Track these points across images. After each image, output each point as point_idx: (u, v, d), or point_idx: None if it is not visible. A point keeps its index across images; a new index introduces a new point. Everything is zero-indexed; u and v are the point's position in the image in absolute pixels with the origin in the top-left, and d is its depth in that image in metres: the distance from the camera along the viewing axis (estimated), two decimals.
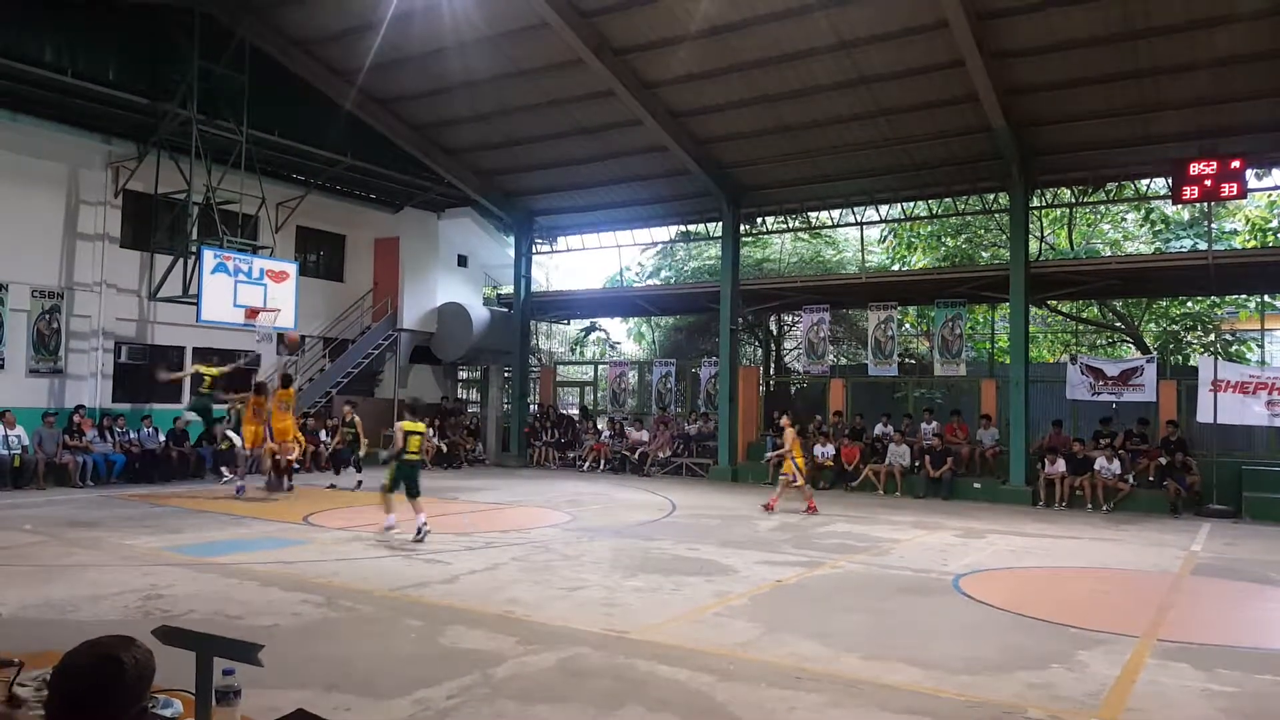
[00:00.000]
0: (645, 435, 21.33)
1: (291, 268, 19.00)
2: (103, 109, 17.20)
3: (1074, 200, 19.67)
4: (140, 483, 16.10)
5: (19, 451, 15.10)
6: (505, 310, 24.97)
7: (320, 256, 23.18)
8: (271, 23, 17.97)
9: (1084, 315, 25.17)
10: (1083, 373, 17.34)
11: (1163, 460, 15.53)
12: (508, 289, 26.31)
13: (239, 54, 17.76)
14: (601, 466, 21.17)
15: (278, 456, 14.94)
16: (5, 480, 14.78)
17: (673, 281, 28.99)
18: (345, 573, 8.66)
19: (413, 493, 10.70)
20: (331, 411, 20.61)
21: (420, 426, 11.41)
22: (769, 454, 14.57)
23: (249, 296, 17.64)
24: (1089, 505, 15.47)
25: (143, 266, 18.63)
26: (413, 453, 10.91)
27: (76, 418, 16.22)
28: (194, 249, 17.35)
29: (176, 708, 2.72)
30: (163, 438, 17.32)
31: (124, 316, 18.34)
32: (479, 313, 24.19)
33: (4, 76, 15.55)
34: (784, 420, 15.11)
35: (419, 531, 10.30)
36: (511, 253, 24.40)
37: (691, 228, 23.20)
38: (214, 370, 16.10)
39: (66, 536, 10.39)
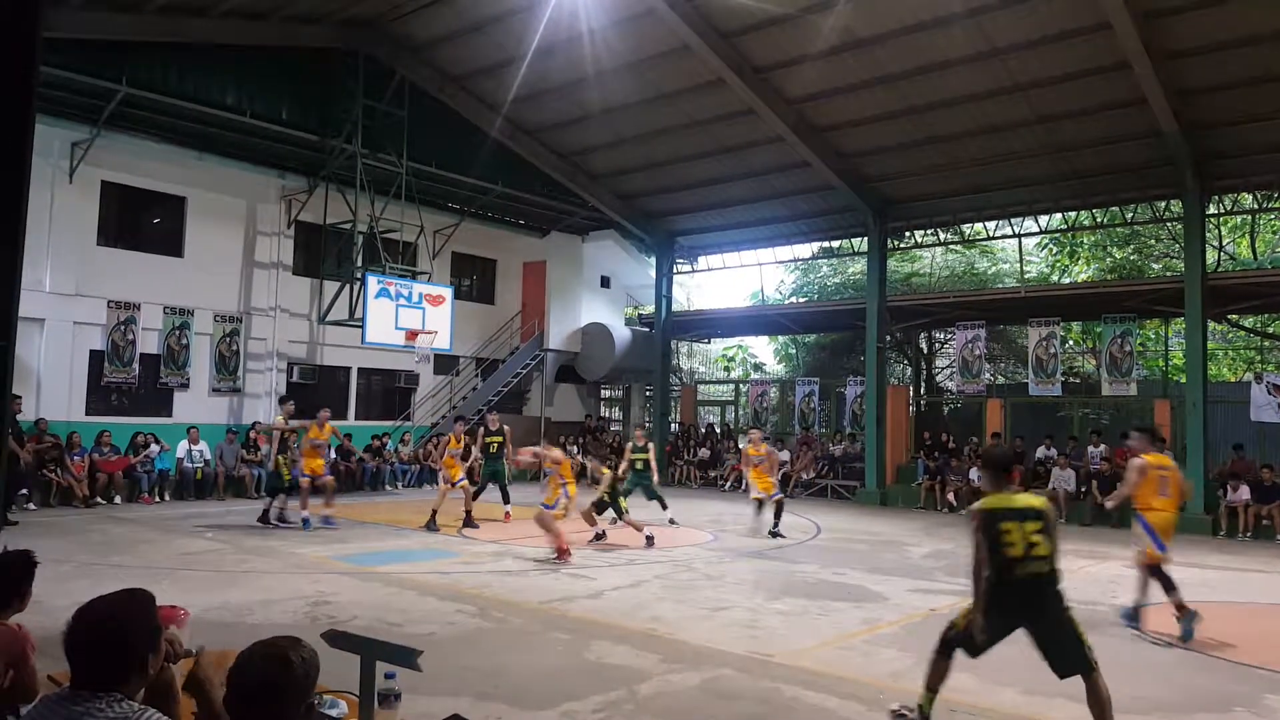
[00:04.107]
0: (787, 455, 21.00)
1: (447, 292, 19.90)
2: (277, 146, 18.57)
3: (1257, 206, 18.16)
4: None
5: (202, 465, 16.37)
6: (647, 330, 25.24)
7: (473, 280, 24.13)
8: (428, 61, 18.95)
9: (1270, 330, 23.16)
10: (1269, 392, 15.95)
11: None
12: (649, 309, 26.59)
13: (399, 92, 18.88)
14: (743, 486, 20.94)
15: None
16: (190, 491, 16.06)
17: (816, 298, 28.57)
18: (496, 585, 8.92)
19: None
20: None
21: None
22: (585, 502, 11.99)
23: (409, 319, 18.58)
24: (1278, 536, 14.16)
25: (313, 292, 19.92)
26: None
27: (253, 433, 17.45)
28: (359, 275, 18.48)
29: (342, 708, 2.86)
30: (333, 453, 18.31)
31: (296, 339, 19.64)
32: (621, 333, 24.54)
33: (192, 119, 17.06)
34: (544, 446, 12.03)
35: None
36: (653, 273, 24.69)
37: (835, 243, 22.80)
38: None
39: (243, 544, 11.16)
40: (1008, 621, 4.80)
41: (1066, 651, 4.69)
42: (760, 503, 13.59)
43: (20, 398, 13.66)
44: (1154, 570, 7.59)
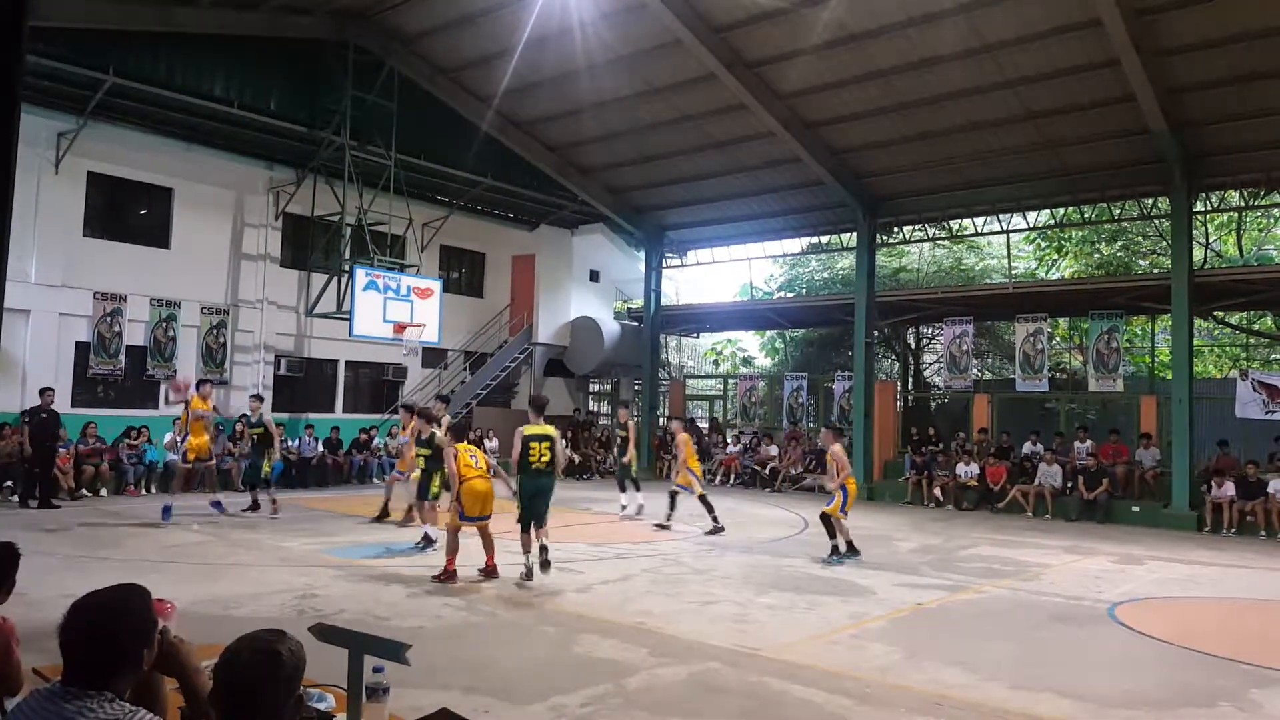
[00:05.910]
0: (775, 450, 21.08)
1: (436, 285, 19.83)
2: (265, 138, 18.46)
3: (1244, 204, 18.29)
4: (296, 488, 17.04)
5: None
6: (635, 324, 25.23)
7: (462, 273, 24.06)
8: (418, 52, 18.86)
9: (1255, 327, 23.33)
10: (1254, 389, 16.06)
11: None
12: (638, 303, 26.57)
13: (388, 83, 18.76)
14: (732, 481, 21.04)
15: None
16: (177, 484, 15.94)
17: (804, 293, 28.61)
18: (483, 578, 8.90)
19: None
20: (471, 424, 21.28)
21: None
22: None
23: (397, 312, 18.52)
24: (1263, 532, 14.28)
25: (300, 284, 19.82)
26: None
27: (240, 426, 17.34)
28: (347, 268, 18.39)
29: (330, 701, 2.86)
30: (320, 446, 18.28)
31: (283, 331, 19.54)
32: (610, 327, 24.54)
33: (180, 110, 16.94)
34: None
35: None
36: (642, 267, 24.66)
37: (824, 238, 22.82)
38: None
39: (230, 538, 11.11)
40: (532, 499, 8.77)
41: (540, 511, 8.83)
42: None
43: (52, 390, 13.57)
44: (828, 519, 10.41)
